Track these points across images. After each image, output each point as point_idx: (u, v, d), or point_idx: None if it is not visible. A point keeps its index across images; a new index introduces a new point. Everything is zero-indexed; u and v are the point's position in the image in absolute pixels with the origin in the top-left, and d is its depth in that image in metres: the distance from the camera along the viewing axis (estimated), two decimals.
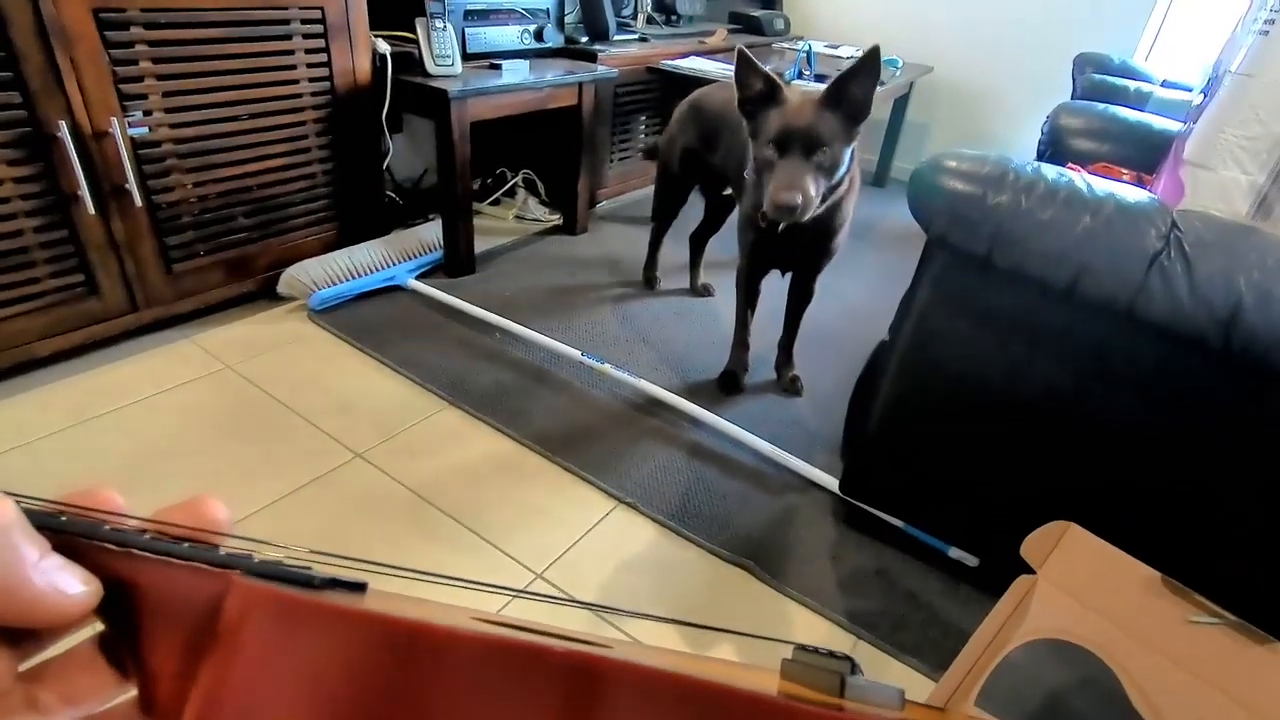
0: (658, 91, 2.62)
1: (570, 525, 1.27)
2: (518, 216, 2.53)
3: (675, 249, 2.13)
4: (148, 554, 0.19)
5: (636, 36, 2.60)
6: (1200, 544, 0.94)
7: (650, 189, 2.09)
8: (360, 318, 1.80)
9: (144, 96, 1.42)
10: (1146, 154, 1.80)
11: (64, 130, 1.31)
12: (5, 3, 1.20)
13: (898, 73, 2.74)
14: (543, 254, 2.29)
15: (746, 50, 1.28)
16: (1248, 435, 0.87)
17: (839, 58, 2.80)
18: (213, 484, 1.27)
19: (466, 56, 1.99)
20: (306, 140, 1.73)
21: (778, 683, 0.17)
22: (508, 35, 2.15)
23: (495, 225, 2.45)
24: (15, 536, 0.18)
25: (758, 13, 3.20)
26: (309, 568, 0.19)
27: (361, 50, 1.76)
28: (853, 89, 1.23)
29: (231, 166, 1.61)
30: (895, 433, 1.18)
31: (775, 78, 1.27)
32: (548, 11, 2.28)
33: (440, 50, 1.83)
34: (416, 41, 1.82)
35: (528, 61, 2.15)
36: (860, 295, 2.21)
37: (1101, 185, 0.94)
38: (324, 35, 1.67)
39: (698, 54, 2.65)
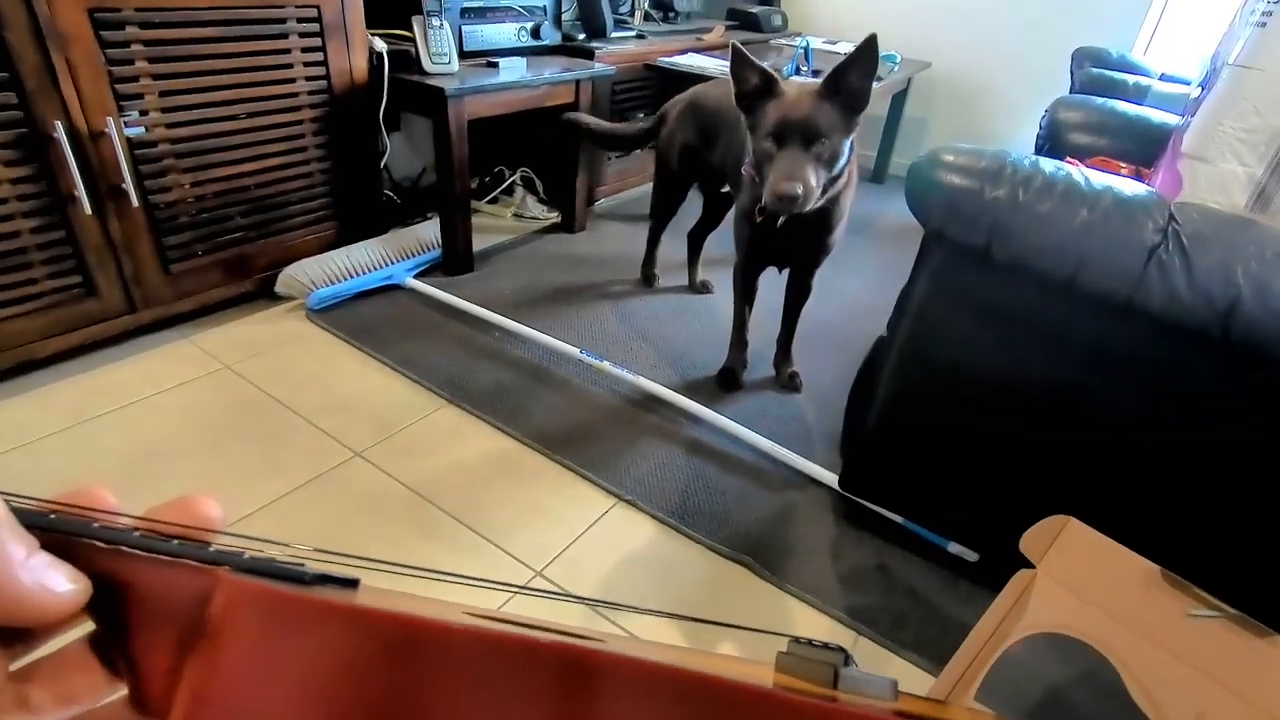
0: (655, 89, 2.61)
1: (570, 523, 1.27)
2: (516, 215, 2.53)
3: (674, 246, 2.13)
4: (137, 551, 0.19)
5: (634, 33, 2.60)
6: (1200, 543, 0.94)
7: (648, 186, 2.08)
8: (359, 317, 1.79)
9: (140, 96, 1.42)
10: (1145, 148, 1.80)
11: (60, 131, 1.30)
12: (0, 3, 1.20)
13: (896, 68, 2.73)
14: (541, 252, 2.29)
15: (740, 45, 1.28)
16: (1246, 429, 0.87)
17: (837, 54, 2.80)
18: (212, 483, 1.27)
19: (463, 54, 1.99)
20: (304, 139, 1.73)
21: (773, 676, 0.16)
22: (505, 33, 2.15)
23: (493, 224, 2.45)
24: (2, 534, 0.18)
25: (755, 9, 3.20)
26: (301, 564, 0.19)
27: (358, 49, 1.76)
28: (850, 79, 1.23)
29: (229, 166, 1.60)
30: (894, 428, 1.18)
31: (771, 71, 1.27)
32: (545, 9, 2.28)
33: (437, 48, 1.83)
34: (413, 40, 1.81)
35: (525, 59, 2.15)
36: (859, 291, 2.21)
37: (1099, 178, 0.94)
38: (320, 34, 1.67)
39: (695, 51, 2.64)
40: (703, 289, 2.12)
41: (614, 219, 2.61)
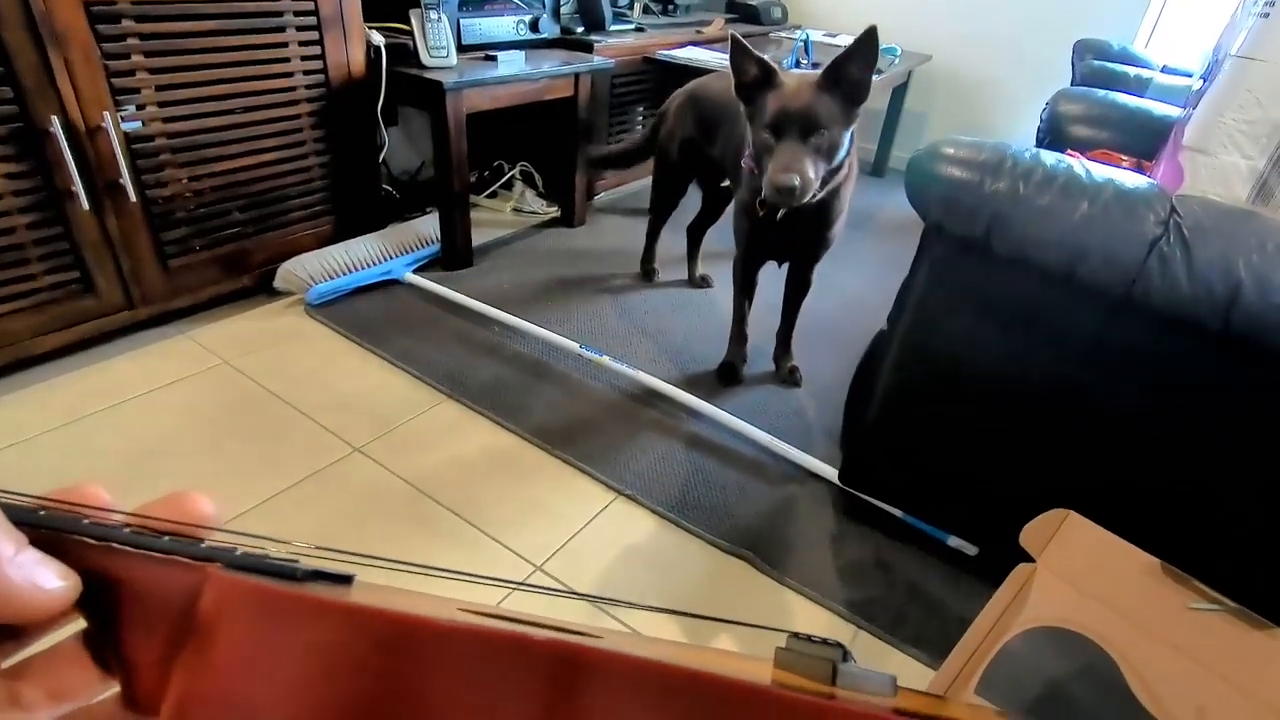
0: (654, 82, 2.60)
1: (570, 518, 1.27)
2: (515, 209, 2.52)
3: (673, 241, 2.13)
4: (127, 548, 0.19)
5: (633, 26, 2.59)
6: (1200, 541, 0.94)
7: (648, 181, 2.08)
8: (357, 312, 1.79)
9: (137, 91, 1.41)
10: (1146, 140, 1.79)
11: (57, 126, 1.30)
12: None
13: (896, 61, 2.72)
14: (540, 247, 2.29)
15: (739, 36, 1.27)
16: (1247, 426, 0.87)
17: (837, 47, 2.78)
18: (210, 480, 1.27)
19: (462, 48, 1.98)
20: (301, 134, 1.72)
21: (771, 672, 0.16)
22: (503, 26, 2.14)
23: (492, 218, 2.44)
24: None
25: (755, 2, 3.18)
26: (295, 560, 0.19)
27: (356, 42, 1.75)
28: (850, 70, 1.22)
29: (226, 161, 1.60)
30: (894, 422, 1.18)
31: (770, 62, 1.26)
32: (543, 2, 2.27)
33: (435, 42, 1.82)
34: (411, 33, 1.81)
35: (523, 52, 2.14)
36: (859, 285, 2.20)
37: (1100, 171, 0.94)
38: (318, 27, 1.66)
39: (695, 44, 2.63)
40: (702, 283, 2.11)
41: (613, 213, 2.61)
